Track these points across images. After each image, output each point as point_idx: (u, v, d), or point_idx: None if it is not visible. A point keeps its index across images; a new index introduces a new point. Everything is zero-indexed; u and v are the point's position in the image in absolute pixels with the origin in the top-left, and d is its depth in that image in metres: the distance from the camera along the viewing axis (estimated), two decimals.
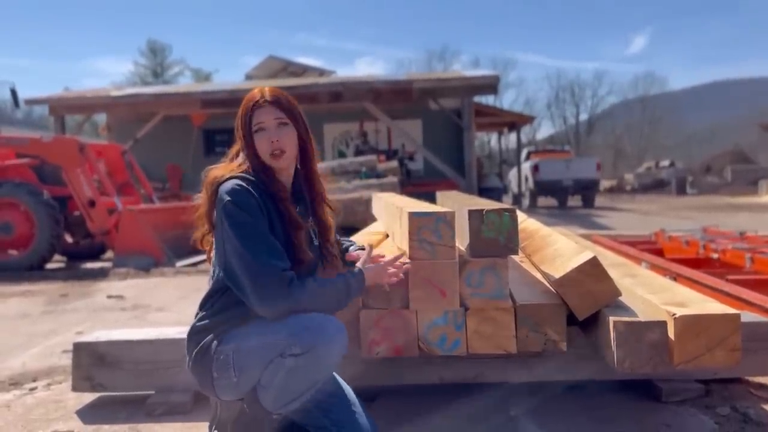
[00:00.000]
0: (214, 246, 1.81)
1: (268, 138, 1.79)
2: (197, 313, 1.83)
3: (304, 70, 20.67)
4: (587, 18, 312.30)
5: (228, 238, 1.69)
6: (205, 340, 1.76)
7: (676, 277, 3.69)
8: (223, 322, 1.76)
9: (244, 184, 1.73)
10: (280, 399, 1.70)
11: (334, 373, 1.85)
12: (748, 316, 2.54)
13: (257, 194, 1.73)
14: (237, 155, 1.87)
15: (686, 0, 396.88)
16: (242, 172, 1.79)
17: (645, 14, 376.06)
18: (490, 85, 14.19)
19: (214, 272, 1.82)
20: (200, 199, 1.84)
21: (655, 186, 31.31)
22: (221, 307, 1.78)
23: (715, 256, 4.65)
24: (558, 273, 2.00)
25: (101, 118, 20.37)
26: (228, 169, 1.81)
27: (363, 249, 2.05)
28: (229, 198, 1.70)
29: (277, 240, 1.73)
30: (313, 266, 1.90)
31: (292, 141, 1.83)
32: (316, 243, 1.92)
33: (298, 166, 1.92)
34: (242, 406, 1.81)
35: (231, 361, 1.71)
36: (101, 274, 6.90)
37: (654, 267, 4.13)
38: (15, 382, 2.98)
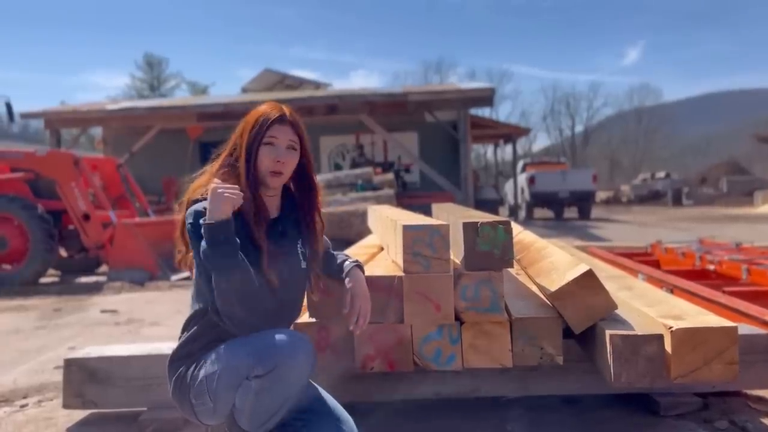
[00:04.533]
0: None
1: (275, 156, 1.76)
2: (180, 336, 1.81)
3: (300, 82, 20.76)
4: (582, 30, 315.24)
5: (195, 258, 1.67)
6: (183, 366, 1.75)
7: (672, 290, 3.67)
8: (201, 347, 1.74)
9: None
10: (255, 420, 1.67)
11: (318, 388, 1.85)
12: (746, 328, 2.52)
13: None
14: (223, 160, 1.81)
15: (679, 13, 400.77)
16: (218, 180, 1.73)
17: (638, 27, 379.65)
18: (486, 98, 14.21)
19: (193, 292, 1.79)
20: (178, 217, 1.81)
21: (651, 197, 31.42)
22: (199, 330, 1.76)
23: (712, 267, 4.64)
24: (554, 286, 1.98)
25: (97, 131, 20.38)
26: (202, 183, 1.77)
27: (357, 264, 2.00)
28: (191, 220, 1.67)
29: (248, 257, 1.66)
30: (301, 287, 1.90)
31: (293, 167, 1.82)
32: (303, 266, 1.87)
33: (296, 192, 1.89)
34: (225, 429, 1.78)
35: (205, 386, 1.68)
36: (95, 288, 6.85)
37: (650, 279, 4.11)
38: (5, 399, 2.94)
